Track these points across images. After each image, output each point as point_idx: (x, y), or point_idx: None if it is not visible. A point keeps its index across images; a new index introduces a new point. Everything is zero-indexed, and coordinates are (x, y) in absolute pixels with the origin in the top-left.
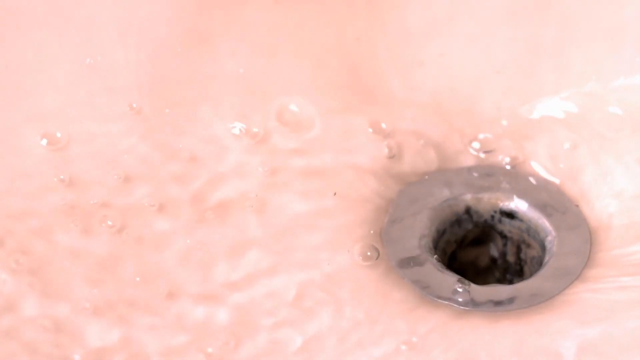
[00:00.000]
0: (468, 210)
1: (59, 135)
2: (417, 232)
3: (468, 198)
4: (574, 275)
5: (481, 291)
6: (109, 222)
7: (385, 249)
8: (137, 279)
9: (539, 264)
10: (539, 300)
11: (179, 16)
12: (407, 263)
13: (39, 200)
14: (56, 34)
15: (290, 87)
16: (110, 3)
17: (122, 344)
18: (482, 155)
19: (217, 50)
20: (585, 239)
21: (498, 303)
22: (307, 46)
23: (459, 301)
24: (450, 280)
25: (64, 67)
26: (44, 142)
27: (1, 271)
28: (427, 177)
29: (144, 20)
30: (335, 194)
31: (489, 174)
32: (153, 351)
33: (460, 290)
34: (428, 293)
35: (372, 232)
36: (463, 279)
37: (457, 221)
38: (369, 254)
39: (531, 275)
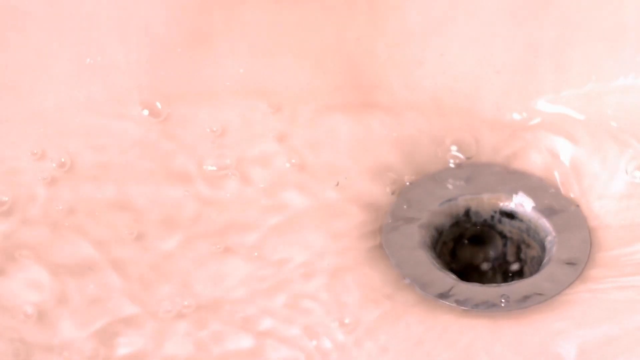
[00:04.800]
0: (467, 211)
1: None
2: (417, 232)
3: (468, 198)
4: (573, 275)
5: (482, 291)
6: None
7: (386, 251)
8: None
9: (539, 264)
10: (539, 301)
11: (179, 16)
12: (407, 263)
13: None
14: (56, 34)
15: (290, 87)
16: (110, 3)
17: None
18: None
19: (217, 50)
20: (585, 239)
21: (498, 303)
22: (307, 46)
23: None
24: (449, 280)
25: (64, 67)
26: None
27: None
28: (425, 176)
29: (144, 20)
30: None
31: (489, 174)
32: None
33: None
34: (428, 292)
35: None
36: None
37: (456, 222)
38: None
39: (531, 275)
